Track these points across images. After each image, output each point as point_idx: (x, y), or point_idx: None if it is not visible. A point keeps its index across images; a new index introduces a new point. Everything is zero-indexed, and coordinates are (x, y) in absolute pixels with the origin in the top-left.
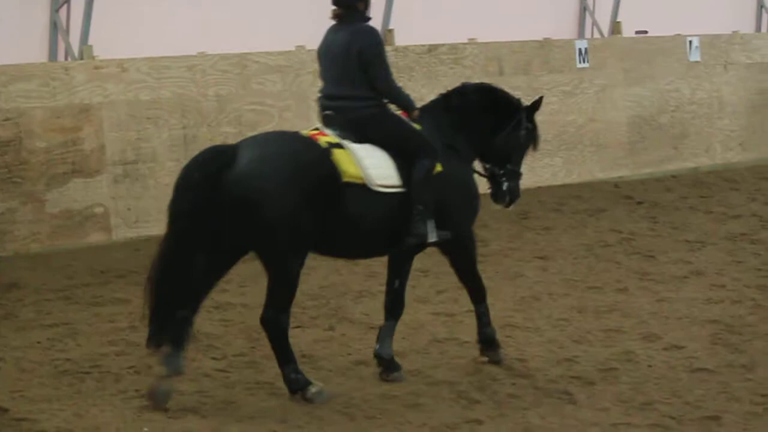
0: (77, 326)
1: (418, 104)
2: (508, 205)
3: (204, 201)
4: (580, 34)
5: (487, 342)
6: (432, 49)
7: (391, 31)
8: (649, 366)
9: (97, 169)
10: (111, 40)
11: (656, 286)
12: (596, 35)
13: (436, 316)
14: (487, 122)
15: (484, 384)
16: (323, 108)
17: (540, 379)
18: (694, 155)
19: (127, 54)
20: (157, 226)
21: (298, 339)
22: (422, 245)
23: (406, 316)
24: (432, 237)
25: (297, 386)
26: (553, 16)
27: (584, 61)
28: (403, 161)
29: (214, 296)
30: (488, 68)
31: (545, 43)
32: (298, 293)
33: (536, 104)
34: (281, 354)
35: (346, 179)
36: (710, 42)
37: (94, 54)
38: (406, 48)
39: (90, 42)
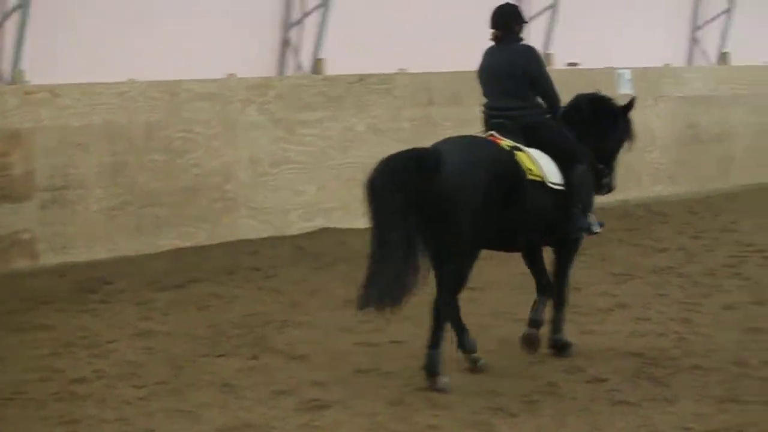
0: (1, 352)
1: (350, 133)
2: (605, 194)
3: (411, 201)
4: None
5: (558, 347)
6: (362, 78)
7: (321, 60)
8: (572, 398)
9: (25, 194)
10: (43, 65)
11: (581, 318)
12: None
13: (360, 346)
14: (600, 129)
15: (405, 415)
16: (492, 117)
17: (462, 410)
18: (623, 188)
19: (59, 79)
20: (85, 252)
21: (220, 367)
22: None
23: (329, 346)
24: (596, 228)
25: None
26: (484, 47)
27: None
28: (560, 163)
29: (138, 323)
30: (418, 98)
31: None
32: (221, 322)
33: (630, 105)
34: (436, 336)
35: (530, 177)
36: (641, 75)
37: (26, 79)
38: (336, 77)
39: (22, 67)
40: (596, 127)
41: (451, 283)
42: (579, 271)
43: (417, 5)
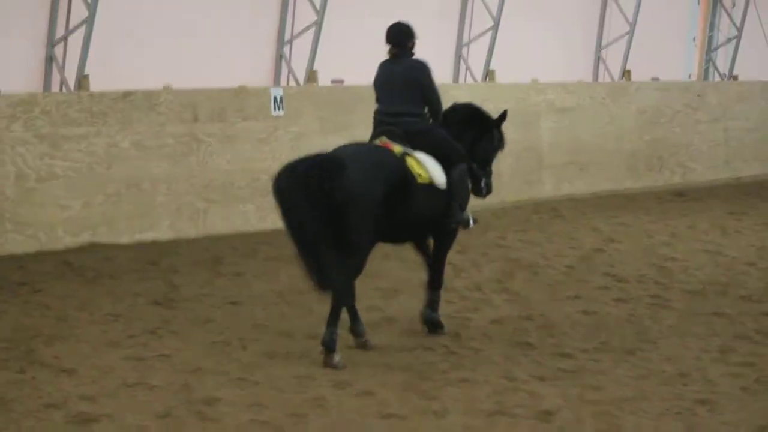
0: None
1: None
2: (485, 197)
3: (319, 201)
4: (276, 82)
5: (431, 324)
6: (127, 95)
7: (86, 77)
8: (340, 412)
9: None
10: None
11: (348, 334)
12: (292, 83)
13: (127, 360)
14: (473, 133)
15: (173, 427)
16: (384, 123)
17: (228, 424)
18: None
19: None
20: None
21: None
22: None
23: (97, 360)
24: (472, 222)
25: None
26: (249, 63)
27: (279, 109)
28: (443, 164)
29: None
30: (183, 115)
31: (240, 91)
32: None
33: (503, 117)
34: (335, 316)
35: (419, 181)
36: None
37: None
38: (101, 94)
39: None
40: (470, 133)
41: (352, 273)
42: None
43: (182, 22)
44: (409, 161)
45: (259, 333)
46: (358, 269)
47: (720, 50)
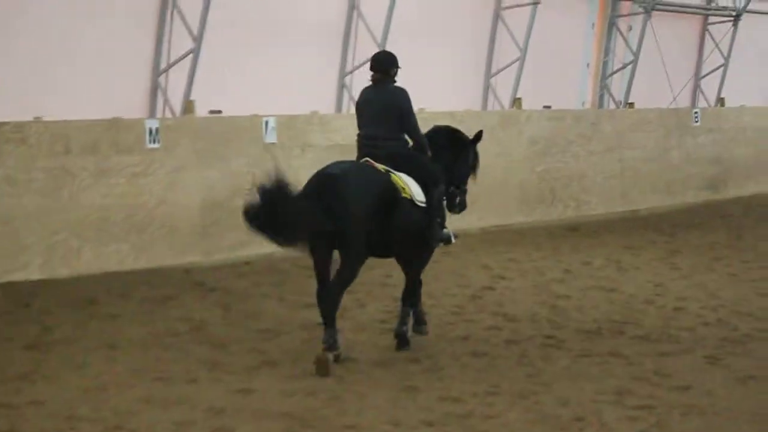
0: None
1: None
2: (459, 212)
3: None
4: (151, 113)
5: (400, 337)
6: None
7: None
8: None
9: None
10: None
11: (228, 377)
12: (168, 114)
13: None
14: (452, 156)
15: None
16: (366, 146)
17: None
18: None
19: None
20: None
21: None
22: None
23: None
24: (453, 239)
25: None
26: (123, 94)
27: (155, 142)
28: (423, 185)
29: None
30: (55, 147)
31: (114, 123)
32: None
33: (478, 137)
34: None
35: (404, 195)
36: (288, 122)
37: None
38: None
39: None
40: (449, 155)
41: (345, 282)
42: (224, 329)
43: (54, 52)
44: (394, 177)
45: (135, 378)
46: (351, 278)
47: (615, 76)
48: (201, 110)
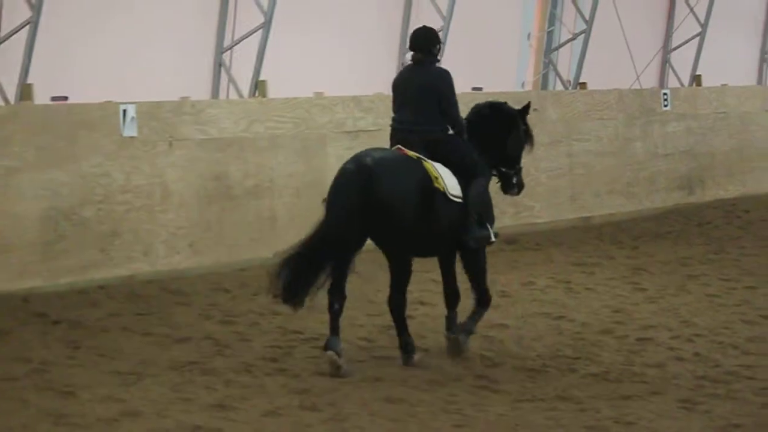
0: None
1: None
2: (518, 194)
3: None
4: None
5: (454, 347)
6: None
7: None
8: None
9: None
10: None
11: None
12: (0, 102)
13: None
14: (501, 134)
15: None
16: (400, 131)
17: None
18: (128, 260)
19: None
20: None
21: None
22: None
23: None
24: (493, 237)
25: (410, 349)
26: None
27: None
28: (461, 177)
29: None
30: None
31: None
32: None
33: (527, 108)
34: (400, 325)
35: (436, 185)
36: (151, 111)
37: None
38: None
39: None
40: (498, 133)
41: (399, 281)
42: (71, 371)
43: None
44: (426, 165)
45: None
46: (404, 275)
47: (563, 50)
48: (41, 96)
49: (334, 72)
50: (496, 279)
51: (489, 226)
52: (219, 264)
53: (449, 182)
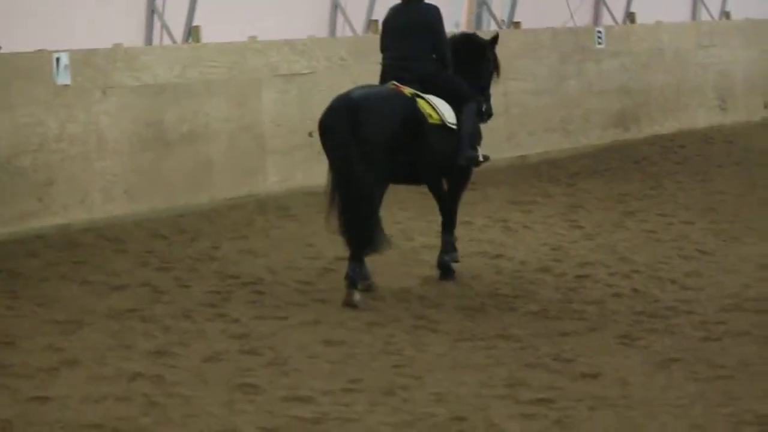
0: None
1: None
2: (486, 121)
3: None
4: None
5: (444, 268)
6: None
7: None
8: None
9: None
10: None
11: (18, 382)
12: None
13: None
14: (473, 64)
15: None
16: (394, 68)
17: None
18: (64, 208)
19: None
20: None
21: None
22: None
23: None
24: (481, 157)
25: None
26: None
27: None
28: (453, 103)
29: None
30: None
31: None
32: None
33: (495, 39)
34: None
35: (430, 121)
36: (84, 59)
37: None
38: None
39: None
40: (470, 63)
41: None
42: (10, 321)
43: None
44: (420, 102)
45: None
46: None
47: None
48: None
49: (268, 16)
50: (433, 220)
51: (477, 148)
52: (155, 210)
53: (446, 112)
